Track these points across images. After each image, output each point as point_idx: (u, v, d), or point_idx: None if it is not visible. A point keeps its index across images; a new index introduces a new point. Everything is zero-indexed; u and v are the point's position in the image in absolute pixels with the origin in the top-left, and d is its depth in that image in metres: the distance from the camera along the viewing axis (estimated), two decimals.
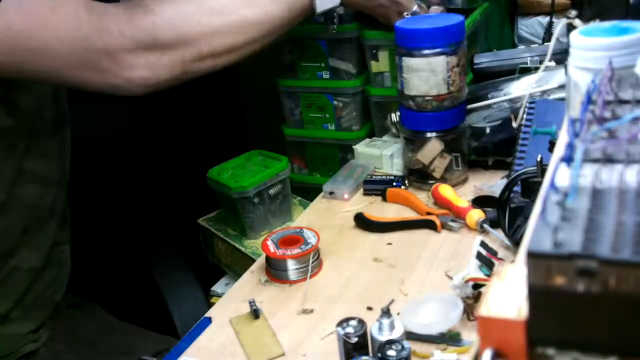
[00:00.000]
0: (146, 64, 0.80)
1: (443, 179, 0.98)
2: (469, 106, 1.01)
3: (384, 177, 1.04)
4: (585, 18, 0.73)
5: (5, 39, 0.71)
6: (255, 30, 0.88)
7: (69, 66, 0.77)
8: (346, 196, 1.02)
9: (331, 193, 1.03)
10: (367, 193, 1.03)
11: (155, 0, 0.82)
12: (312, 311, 0.77)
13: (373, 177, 1.04)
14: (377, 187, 1.01)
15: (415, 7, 1.02)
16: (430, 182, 0.98)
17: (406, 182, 1.01)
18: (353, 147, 1.13)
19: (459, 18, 0.94)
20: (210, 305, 0.98)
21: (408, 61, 0.94)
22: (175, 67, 0.83)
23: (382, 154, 1.08)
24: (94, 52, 0.77)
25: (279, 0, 0.89)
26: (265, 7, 0.88)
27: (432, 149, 0.98)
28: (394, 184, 1.01)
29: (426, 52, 0.93)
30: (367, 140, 1.15)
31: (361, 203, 1.01)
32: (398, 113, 1.04)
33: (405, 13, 1.01)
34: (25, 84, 0.82)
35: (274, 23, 0.89)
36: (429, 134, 0.98)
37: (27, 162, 0.85)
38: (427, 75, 0.94)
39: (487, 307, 0.34)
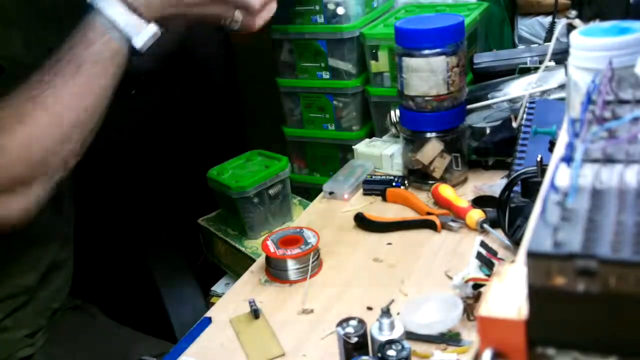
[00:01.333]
0: (18, 203, 0.77)
1: (443, 179, 0.98)
2: (469, 106, 1.01)
3: (384, 177, 1.04)
4: (585, 18, 0.73)
5: None
6: (99, 105, 0.82)
7: None
8: (346, 196, 1.02)
9: (331, 193, 1.03)
10: (367, 193, 1.03)
11: (3, 135, 0.76)
12: (312, 311, 0.77)
13: (373, 177, 1.04)
14: (377, 187, 1.01)
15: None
16: (430, 182, 0.98)
17: (406, 182, 1.01)
18: (353, 147, 1.13)
19: (459, 18, 0.94)
20: (210, 305, 0.98)
21: (408, 61, 0.94)
22: (47, 187, 0.79)
23: (382, 154, 1.08)
24: None
25: (103, 70, 0.81)
26: (96, 88, 0.81)
27: (432, 149, 0.98)
28: (394, 184, 1.01)
29: (426, 52, 0.93)
30: (367, 140, 1.14)
31: (361, 203, 1.01)
32: (397, 112, 1.04)
33: None
34: None
35: (109, 89, 0.83)
36: (428, 134, 0.98)
37: None
38: (427, 75, 0.94)
39: (487, 307, 0.34)
